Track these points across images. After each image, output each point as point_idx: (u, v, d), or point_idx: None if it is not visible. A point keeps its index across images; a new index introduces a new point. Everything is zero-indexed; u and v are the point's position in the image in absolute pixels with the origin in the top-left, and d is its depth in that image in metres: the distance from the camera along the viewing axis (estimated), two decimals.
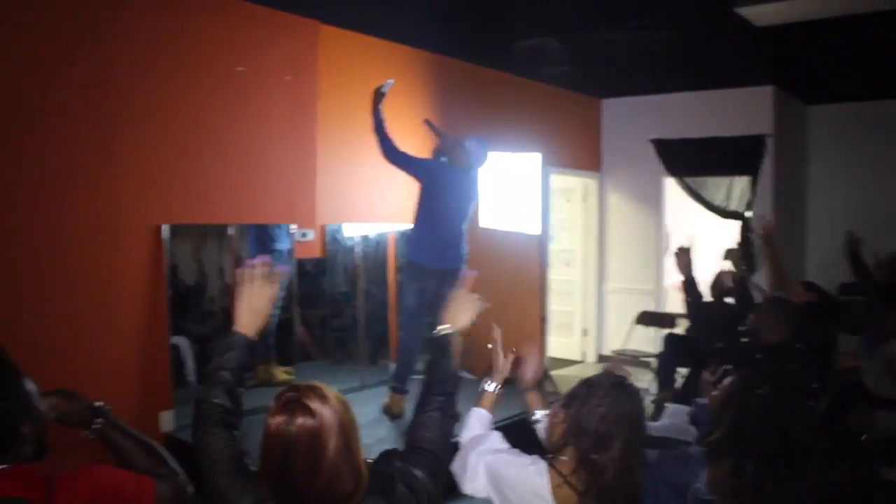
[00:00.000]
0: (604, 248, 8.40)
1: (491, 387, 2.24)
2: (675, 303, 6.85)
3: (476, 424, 2.16)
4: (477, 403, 2.21)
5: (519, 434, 2.32)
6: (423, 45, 5.90)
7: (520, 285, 6.77)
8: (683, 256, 4.90)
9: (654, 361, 6.44)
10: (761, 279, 5.48)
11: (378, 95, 4.56)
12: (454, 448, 1.95)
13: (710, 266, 5.79)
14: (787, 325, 3.65)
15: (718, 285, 5.51)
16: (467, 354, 1.98)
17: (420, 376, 4.36)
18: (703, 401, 2.91)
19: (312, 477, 1.43)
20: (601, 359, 8.22)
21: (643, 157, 7.90)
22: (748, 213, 7.39)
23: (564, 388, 2.07)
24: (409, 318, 4.73)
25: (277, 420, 1.44)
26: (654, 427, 3.19)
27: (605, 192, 8.38)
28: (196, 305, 4.67)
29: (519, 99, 7.03)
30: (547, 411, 2.09)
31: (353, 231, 5.48)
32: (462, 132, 5.20)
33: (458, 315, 1.94)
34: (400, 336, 4.89)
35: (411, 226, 4.76)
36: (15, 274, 3.67)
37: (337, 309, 5.57)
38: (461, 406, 1.89)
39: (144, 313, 4.19)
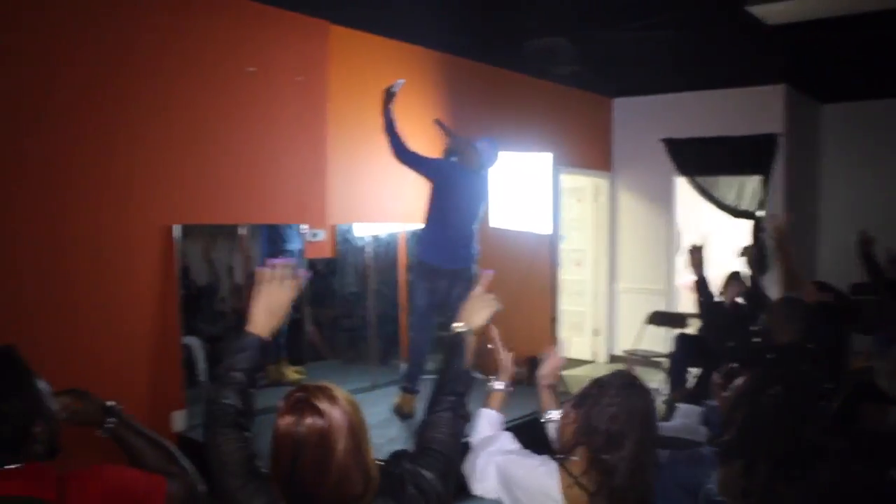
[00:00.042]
0: (615, 247, 8.37)
1: (498, 386, 2.21)
2: (686, 303, 6.84)
3: (486, 426, 2.13)
4: (485, 404, 2.19)
5: (530, 434, 2.31)
6: (433, 45, 5.90)
7: (531, 285, 6.78)
8: (696, 255, 4.88)
9: (665, 361, 6.42)
10: (772, 279, 5.45)
11: (388, 95, 4.56)
12: (465, 448, 1.94)
13: (721, 266, 5.76)
14: (799, 325, 3.64)
15: (729, 287, 5.49)
16: (480, 354, 1.98)
17: (431, 376, 4.38)
18: (713, 403, 2.91)
19: (321, 478, 1.42)
20: (612, 359, 8.20)
21: (654, 157, 7.87)
22: (760, 213, 7.35)
23: (576, 389, 2.06)
24: (420, 318, 4.72)
25: (286, 420, 1.44)
26: (666, 427, 3.18)
27: (616, 191, 8.34)
28: (207, 305, 4.69)
29: (529, 99, 7.02)
30: (559, 411, 2.07)
31: (364, 231, 5.48)
32: (473, 132, 5.20)
33: (474, 314, 1.93)
34: (410, 336, 4.89)
35: (422, 226, 4.76)
36: (26, 275, 3.68)
37: (348, 309, 5.58)
38: (472, 406, 1.88)
39: (156, 313, 4.21)
